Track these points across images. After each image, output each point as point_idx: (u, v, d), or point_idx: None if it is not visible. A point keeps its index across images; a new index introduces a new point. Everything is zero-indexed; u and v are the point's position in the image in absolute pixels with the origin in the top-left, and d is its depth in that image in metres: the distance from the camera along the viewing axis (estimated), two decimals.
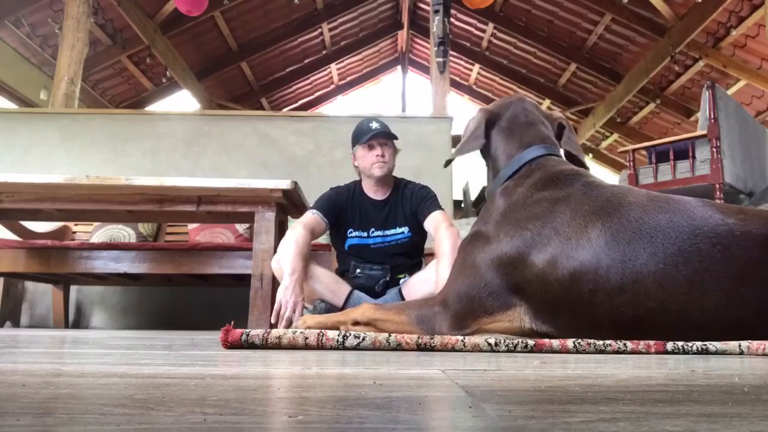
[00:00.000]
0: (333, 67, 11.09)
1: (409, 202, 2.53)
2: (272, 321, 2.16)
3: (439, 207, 2.47)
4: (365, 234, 2.54)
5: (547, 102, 10.82)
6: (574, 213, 1.38)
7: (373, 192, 2.59)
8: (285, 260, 2.24)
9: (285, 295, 2.12)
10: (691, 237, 1.28)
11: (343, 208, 2.55)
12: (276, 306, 2.14)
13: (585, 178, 1.49)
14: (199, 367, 0.85)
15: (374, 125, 2.57)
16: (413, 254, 2.61)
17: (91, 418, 0.42)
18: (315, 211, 2.48)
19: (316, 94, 11.86)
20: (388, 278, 2.45)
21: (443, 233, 2.31)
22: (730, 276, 1.24)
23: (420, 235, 2.56)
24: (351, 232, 2.55)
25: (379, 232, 2.54)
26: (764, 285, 1.23)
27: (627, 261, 1.29)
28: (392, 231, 2.54)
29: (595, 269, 1.30)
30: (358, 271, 2.47)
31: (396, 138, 2.64)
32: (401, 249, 2.54)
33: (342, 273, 2.56)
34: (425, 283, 2.31)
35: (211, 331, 2.92)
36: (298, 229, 2.35)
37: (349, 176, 2.73)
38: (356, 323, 1.50)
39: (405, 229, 2.54)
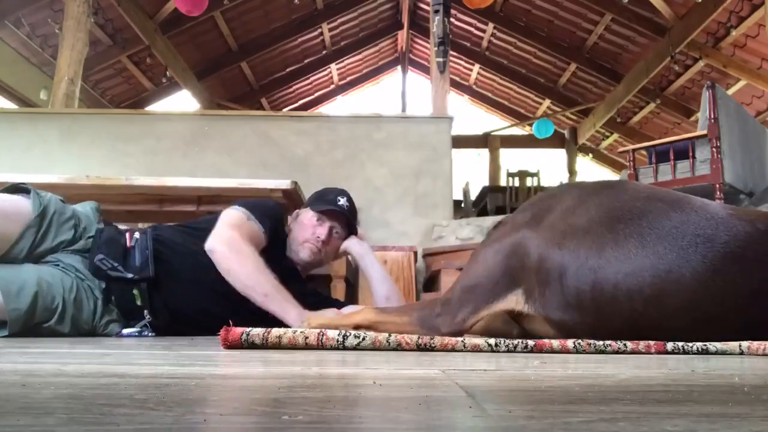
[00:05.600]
0: (333, 67, 11.09)
1: None
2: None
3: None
4: None
5: (547, 102, 10.83)
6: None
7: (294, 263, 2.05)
8: (273, 295, 1.72)
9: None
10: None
11: (277, 237, 1.98)
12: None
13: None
14: (199, 367, 0.85)
15: (342, 201, 2.05)
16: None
17: (91, 418, 0.42)
18: (257, 222, 1.88)
19: (316, 94, 11.86)
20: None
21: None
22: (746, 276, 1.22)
23: None
24: None
25: None
26: None
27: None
28: None
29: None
30: None
31: (355, 233, 2.09)
32: None
33: None
34: None
35: None
36: (249, 252, 1.78)
37: (350, 176, 2.67)
38: (358, 327, 1.47)
39: None
